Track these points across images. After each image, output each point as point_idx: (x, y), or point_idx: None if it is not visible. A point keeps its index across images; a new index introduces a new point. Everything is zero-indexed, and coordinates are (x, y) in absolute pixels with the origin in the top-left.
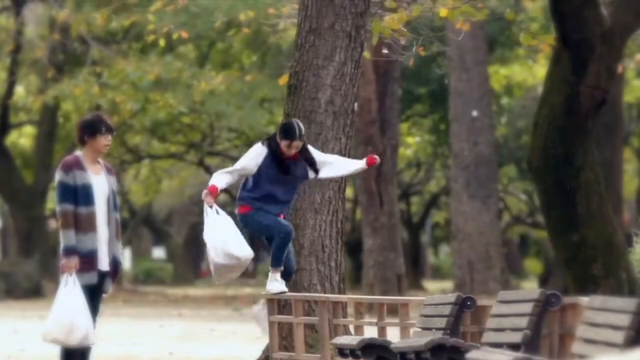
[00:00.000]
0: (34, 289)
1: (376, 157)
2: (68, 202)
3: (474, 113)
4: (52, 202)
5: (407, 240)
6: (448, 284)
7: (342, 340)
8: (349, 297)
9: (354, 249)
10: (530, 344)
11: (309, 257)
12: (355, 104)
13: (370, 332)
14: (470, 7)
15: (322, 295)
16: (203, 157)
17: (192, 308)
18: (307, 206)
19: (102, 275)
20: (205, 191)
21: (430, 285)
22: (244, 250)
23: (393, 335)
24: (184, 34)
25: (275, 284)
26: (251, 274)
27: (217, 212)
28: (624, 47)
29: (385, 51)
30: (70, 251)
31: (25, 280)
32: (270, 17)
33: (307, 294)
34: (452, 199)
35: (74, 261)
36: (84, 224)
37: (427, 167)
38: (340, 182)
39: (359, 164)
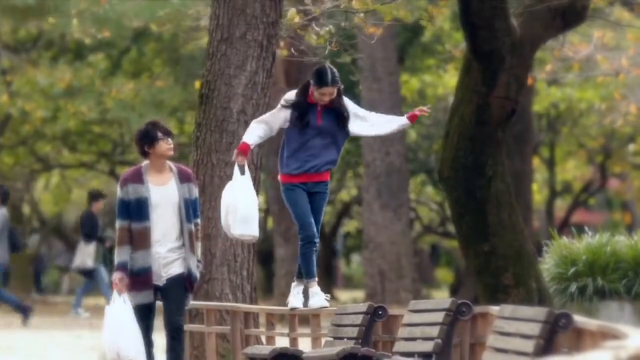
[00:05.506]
0: None
1: (419, 111)
2: (122, 218)
3: None
4: None
5: (319, 250)
6: (360, 294)
7: (253, 350)
8: (260, 307)
9: (265, 258)
10: (441, 353)
11: (221, 267)
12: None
13: (282, 343)
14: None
15: (234, 304)
16: (114, 167)
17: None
18: (219, 215)
19: (160, 290)
20: (235, 150)
21: (342, 294)
22: (243, 229)
23: (305, 346)
24: (106, 33)
25: (316, 298)
26: None
27: (242, 173)
28: (533, 57)
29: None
30: (117, 267)
31: None
32: (189, 18)
33: (219, 304)
34: (364, 209)
35: (118, 277)
36: (136, 241)
37: (339, 176)
38: None
39: (401, 121)
